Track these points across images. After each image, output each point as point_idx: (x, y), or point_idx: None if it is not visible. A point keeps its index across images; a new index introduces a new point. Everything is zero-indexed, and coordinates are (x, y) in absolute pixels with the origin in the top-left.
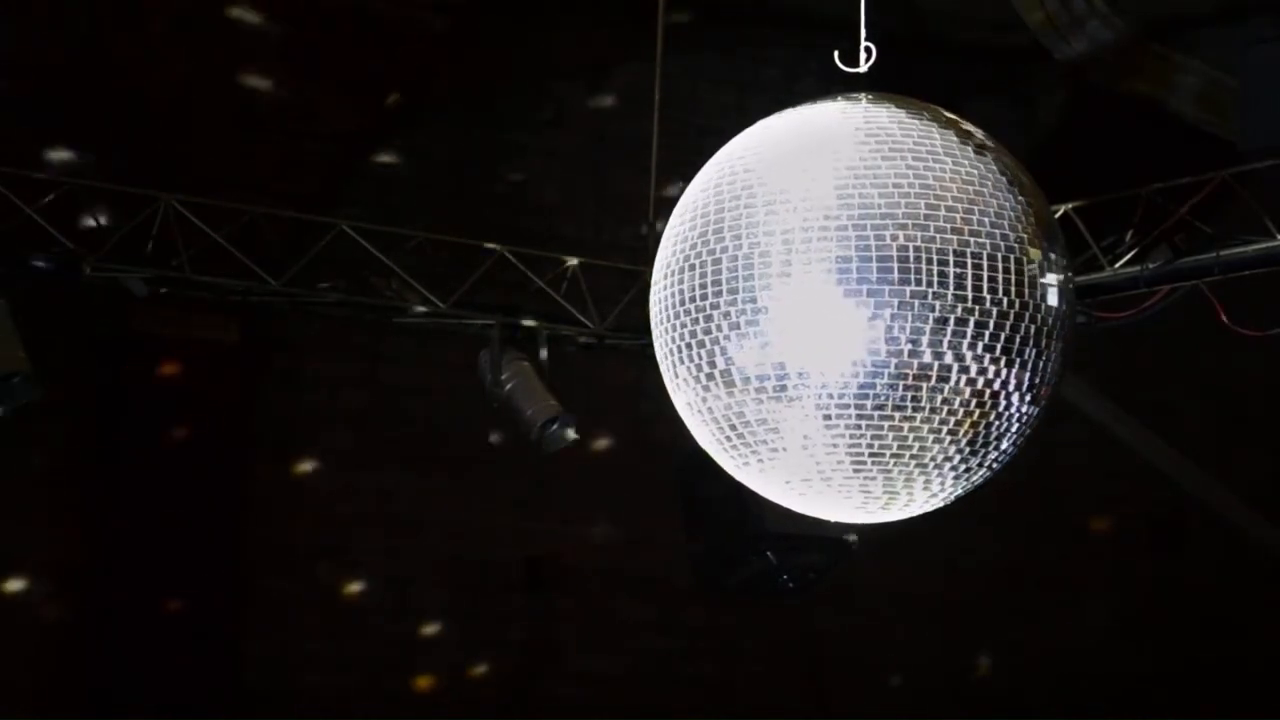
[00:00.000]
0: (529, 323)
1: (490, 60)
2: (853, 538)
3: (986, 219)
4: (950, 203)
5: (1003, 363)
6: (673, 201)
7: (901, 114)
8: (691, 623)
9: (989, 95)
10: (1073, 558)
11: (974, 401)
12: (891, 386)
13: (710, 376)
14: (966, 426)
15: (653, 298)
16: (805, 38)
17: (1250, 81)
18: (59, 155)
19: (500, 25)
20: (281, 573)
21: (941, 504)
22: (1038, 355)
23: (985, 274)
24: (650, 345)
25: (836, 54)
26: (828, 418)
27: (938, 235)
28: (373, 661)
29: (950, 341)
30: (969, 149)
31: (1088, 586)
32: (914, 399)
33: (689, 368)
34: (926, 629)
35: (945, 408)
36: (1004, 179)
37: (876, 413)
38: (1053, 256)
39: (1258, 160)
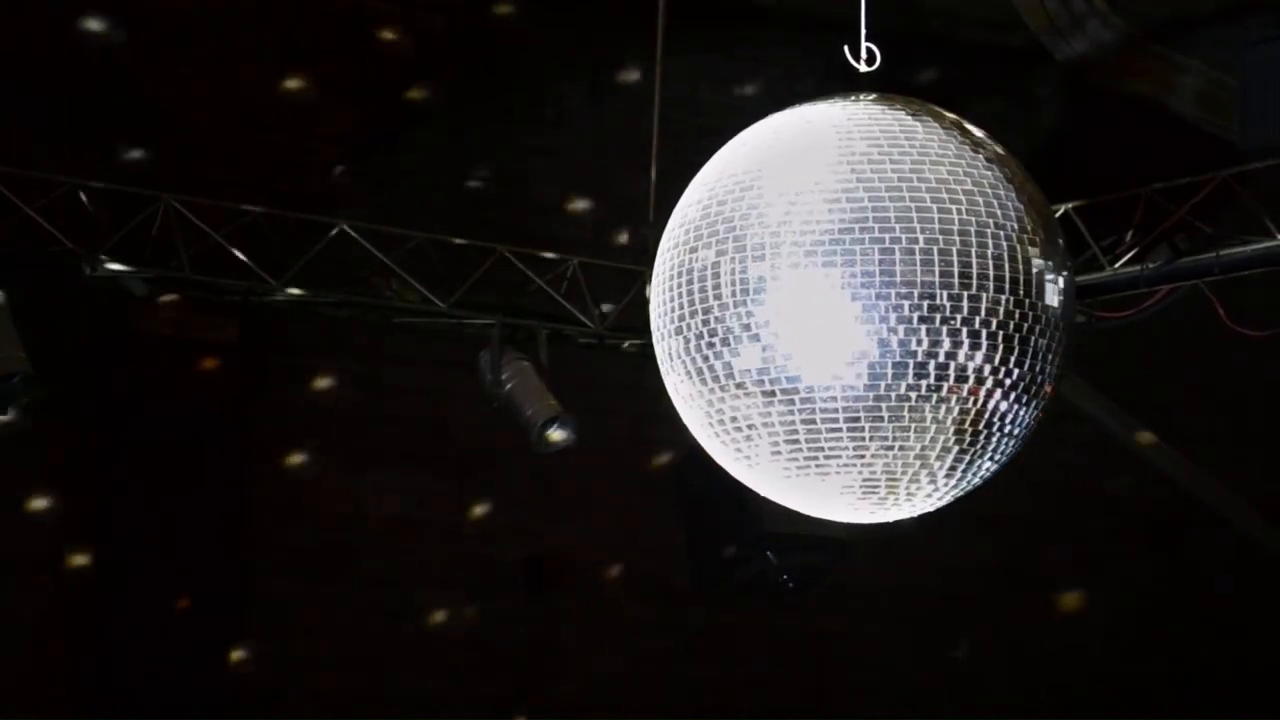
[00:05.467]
0: (528, 323)
1: (490, 59)
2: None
3: (986, 219)
4: (950, 203)
5: (1002, 362)
6: (673, 201)
7: (901, 114)
8: (691, 623)
9: (989, 95)
10: (1073, 558)
11: (973, 401)
12: (891, 386)
13: (709, 378)
14: (966, 426)
15: (652, 301)
16: (806, 38)
17: (1250, 81)
18: (59, 155)
19: (500, 25)
20: (281, 573)
21: (941, 503)
22: (1037, 355)
23: (985, 273)
24: (650, 345)
25: (846, 49)
26: (805, 419)
27: (938, 235)
28: (373, 661)
29: (949, 341)
30: (969, 149)
31: (1088, 586)
32: (913, 399)
33: (688, 370)
34: (926, 629)
35: (945, 407)
36: (1004, 178)
37: (876, 413)
38: (1053, 256)
39: (1258, 160)
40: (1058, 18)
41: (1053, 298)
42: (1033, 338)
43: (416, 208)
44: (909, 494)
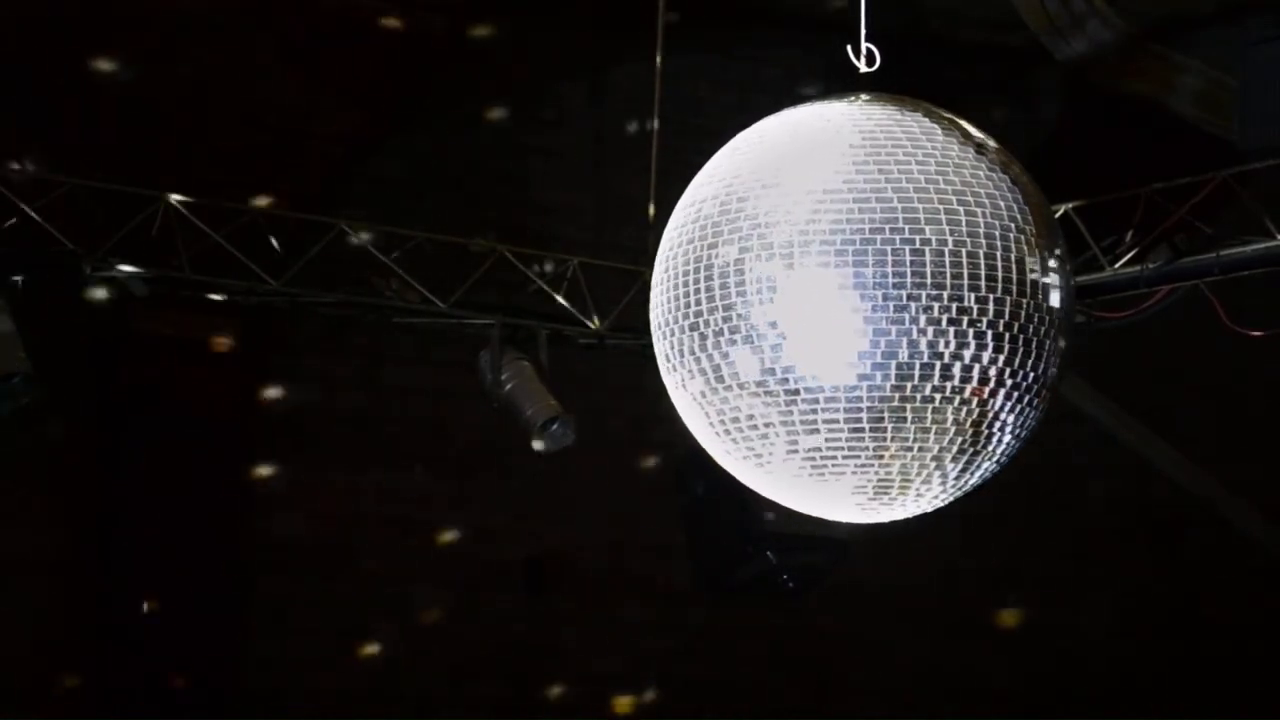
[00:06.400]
0: (528, 323)
1: (490, 60)
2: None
3: (986, 219)
4: (950, 203)
5: (1002, 363)
6: (673, 201)
7: (901, 114)
8: (691, 623)
9: (989, 95)
10: (1073, 558)
11: (973, 401)
12: (891, 387)
13: (727, 375)
14: (966, 426)
15: (653, 301)
16: (806, 38)
17: (1250, 81)
18: (58, 155)
19: (500, 25)
20: (281, 573)
21: (942, 504)
22: (1038, 355)
23: (985, 274)
24: (650, 345)
25: (849, 48)
26: (828, 419)
27: (937, 235)
28: (372, 661)
29: (950, 341)
30: (969, 149)
31: (1088, 586)
32: (914, 399)
33: (701, 367)
34: (926, 629)
35: (945, 408)
36: (1004, 178)
37: (900, 414)
38: (1053, 256)
39: (1258, 160)
40: (1058, 18)
41: (1053, 298)
42: (1047, 341)
43: (416, 208)
44: (918, 494)
